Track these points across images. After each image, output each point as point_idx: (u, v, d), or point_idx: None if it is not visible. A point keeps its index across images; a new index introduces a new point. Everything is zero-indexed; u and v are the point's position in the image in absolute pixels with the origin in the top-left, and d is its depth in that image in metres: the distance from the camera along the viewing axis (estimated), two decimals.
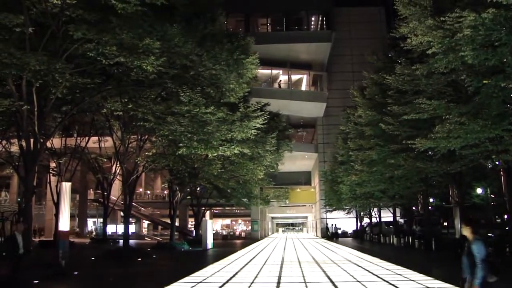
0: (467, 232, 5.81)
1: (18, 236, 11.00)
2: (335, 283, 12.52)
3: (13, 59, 13.95)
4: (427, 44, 15.19)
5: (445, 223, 36.74)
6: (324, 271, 15.84)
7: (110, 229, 45.70)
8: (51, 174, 33.59)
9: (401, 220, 43.42)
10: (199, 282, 13.06)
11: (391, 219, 39.56)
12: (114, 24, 15.30)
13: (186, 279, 13.81)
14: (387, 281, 12.72)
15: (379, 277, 13.77)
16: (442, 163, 20.13)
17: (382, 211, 40.93)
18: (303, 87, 56.38)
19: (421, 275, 13.84)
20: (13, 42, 15.15)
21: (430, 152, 20.00)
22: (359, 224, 48.91)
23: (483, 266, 5.61)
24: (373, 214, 43.89)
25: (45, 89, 16.61)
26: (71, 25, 15.25)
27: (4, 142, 26.37)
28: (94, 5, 15.67)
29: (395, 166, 23.05)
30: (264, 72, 47.95)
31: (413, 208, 39.42)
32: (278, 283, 12.79)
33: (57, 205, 27.98)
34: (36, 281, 12.82)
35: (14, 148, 26.11)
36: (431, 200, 37.75)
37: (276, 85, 53.48)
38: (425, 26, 14.98)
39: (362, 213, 46.84)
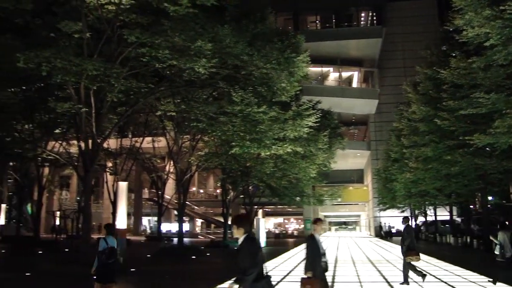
0: None
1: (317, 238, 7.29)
2: (391, 283, 12.31)
3: (73, 66, 14.49)
4: (485, 35, 14.68)
5: (506, 222, 35.26)
6: (379, 271, 15.63)
7: (164, 227, 46.67)
8: (107, 174, 34.63)
9: (458, 219, 42.10)
10: None
11: (447, 217, 38.47)
12: (166, 27, 15.62)
13: None
14: (445, 282, 12.41)
15: (436, 277, 13.45)
16: (502, 160, 19.39)
17: (438, 209, 39.85)
18: (354, 84, 55.66)
19: (482, 276, 13.32)
20: (72, 48, 15.79)
21: (489, 148, 19.32)
22: (413, 222, 47.84)
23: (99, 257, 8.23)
24: (428, 212, 42.77)
25: (102, 92, 17.16)
26: (125, 29, 15.68)
27: (64, 143, 27.48)
28: (147, 8, 16.09)
29: (451, 163, 22.39)
30: (314, 70, 47.61)
31: (471, 206, 38.12)
32: (333, 282, 12.70)
33: (114, 204, 28.95)
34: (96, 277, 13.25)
35: (73, 149, 27.18)
36: (490, 198, 36.38)
37: (328, 83, 53.14)
38: (482, 17, 14.46)
39: (416, 212, 45.77)
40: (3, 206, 43.29)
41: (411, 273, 11.73)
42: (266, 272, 5.07)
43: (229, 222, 38.20)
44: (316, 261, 7.05)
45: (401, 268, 12.21)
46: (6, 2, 14.67)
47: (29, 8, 15.52)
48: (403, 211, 45.54)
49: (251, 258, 4.87)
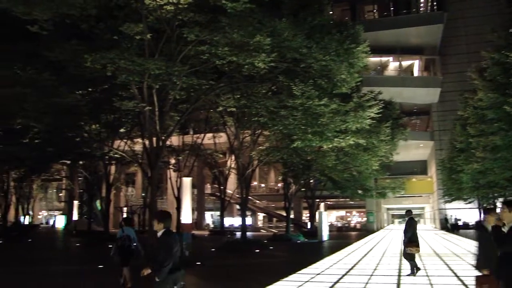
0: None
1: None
2: (460, 277, 11.93)
3: (135, 66, 14.97)
4: None
5: None
6: (446, 264, 15.23)
7: (227, 221, 47.32)
8: (171, 170, 35.50)
9: None
10: (317, 274, 13.12)
11: None
12: (224, 24, 15.79)
13: (304, 270, 13.94)
14: None
15: None
16: None
17: None
18: (415, 73, 54.17)
19: None
20: (134, 49, 16.32)
21: None
22: (482, 215, 46.07)
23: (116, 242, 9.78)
24: (497, 204, 41.05)
25: (164, 90, 17.61)
26: (184, 28, 16.00)
27: (129, 142, 28.44)
28: (204, 6, 16.35)
29: None
30: (373, 60, 46.70)
31: None
32: (399, 276, 12.46)
33: (178, 199, 29.66)
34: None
35: (137, 147, 28.09)
36: None
37: (388, 73, 52.03)
38: None
39: (485, 204, 44.04)
40: (76, 202, 45.54)
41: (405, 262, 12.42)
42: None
43: (292, 216, 38.31)
44: (490, 257, 6.03)
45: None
46: (73, 10, 15.34)
47: (93, 13, 16.17)
48: (469, 203, 43.99)
49: (168, 251, 5.33)
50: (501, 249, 5.19)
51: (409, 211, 13.08)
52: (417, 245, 12.21)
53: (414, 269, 12.27)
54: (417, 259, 16.64)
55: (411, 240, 12.15)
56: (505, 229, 5.27)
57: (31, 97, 19.71)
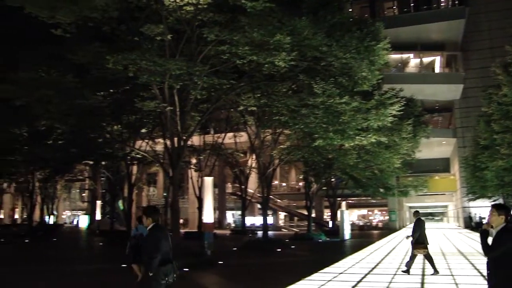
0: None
1: None
2: (486, 277, 11.75)
3: (157, 66, 15.11)
4: None
5: None
6: (471, 263, 15.02)
7: (248, 221, 47.35)
8: (192, 170, 35.68)
9: None
10: (340, 273, 13.07)
11: None
12: (244, 23, 15.83)
13: (327, 269, 13.90)
14: None
15: None
16: None
17: None
18: (437, 70, 53.41)
19: None
20: (155, 50, 16.48)
21: None
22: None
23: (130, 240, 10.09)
24: None
25: (185, 90, 17.72)
26: (204, 28, 16.10)
27: (150, 142, 28.68)
28: (223, 6, 16.45)
29: None
30: (394, 57, 46.20)
31: None
32: (423, 275, 12.35)
33: (199, 199, 29.81)
34: (187, 269, 13.73)
35: (159, 147, 28.31)
36: None
37: (408, 70, 51.48)
38: None
39: (511, 203, 43.25)
40: (98, 202, 46.06)
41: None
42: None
43: (313, 215, 38.21)
44: None
45: None
46: (95, 12, 15.58)
47: (115, 15, 16.39)
48: (494, 201, 43.29)
49: (155, 243, 5.51)
50: (489, 255, 5.07)
51: (416, 212, 13.33)
52: (425, 247, 12.32)
53: (408, 269, 12.55)
54: (441, 258, 16.53)
55: (418, 242, 12.32)
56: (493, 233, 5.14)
57: (55, 99, 20.07)
